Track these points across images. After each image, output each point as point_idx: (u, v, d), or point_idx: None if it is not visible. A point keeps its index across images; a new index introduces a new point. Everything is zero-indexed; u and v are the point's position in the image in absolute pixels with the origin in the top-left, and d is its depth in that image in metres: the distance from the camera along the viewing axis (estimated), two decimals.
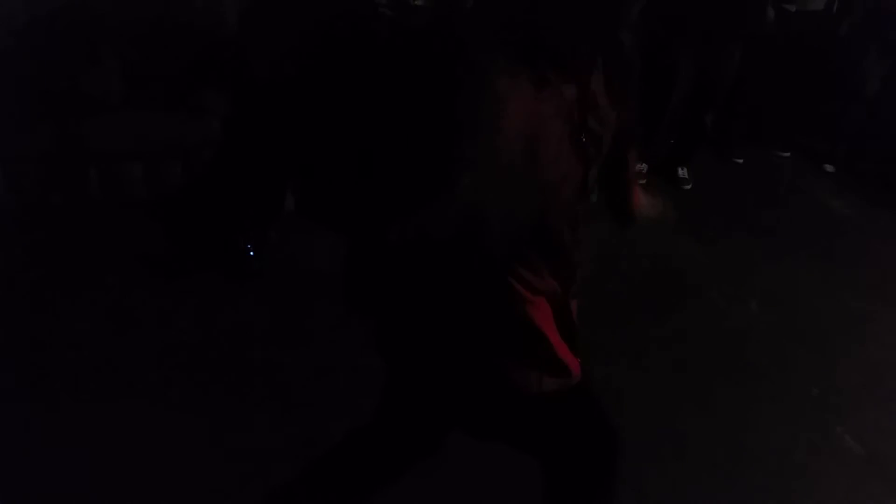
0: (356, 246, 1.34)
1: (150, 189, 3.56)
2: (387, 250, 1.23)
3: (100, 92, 3.54)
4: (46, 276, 3.02)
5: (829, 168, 4.55)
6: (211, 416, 2.31)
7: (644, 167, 4.25)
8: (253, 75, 3.24)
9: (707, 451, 2.31)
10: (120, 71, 3.61)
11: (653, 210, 1.55)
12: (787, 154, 4.72)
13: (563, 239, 1.29)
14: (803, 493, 2.18)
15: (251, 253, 3.09)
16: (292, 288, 3.02)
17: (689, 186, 4.20)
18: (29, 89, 3.39)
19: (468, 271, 1.20)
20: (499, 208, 1.13)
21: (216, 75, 3.51)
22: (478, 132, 1.09)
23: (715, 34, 3.73)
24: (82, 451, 2.11)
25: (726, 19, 3.69)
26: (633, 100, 1.37)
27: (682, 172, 4.22)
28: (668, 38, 3.85)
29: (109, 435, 2.17)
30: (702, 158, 4.37)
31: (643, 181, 4.19)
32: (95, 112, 3.51)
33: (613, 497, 1.44)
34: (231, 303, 2.92)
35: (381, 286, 1.33)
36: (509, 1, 1.16)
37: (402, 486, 1.51)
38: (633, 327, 2.93)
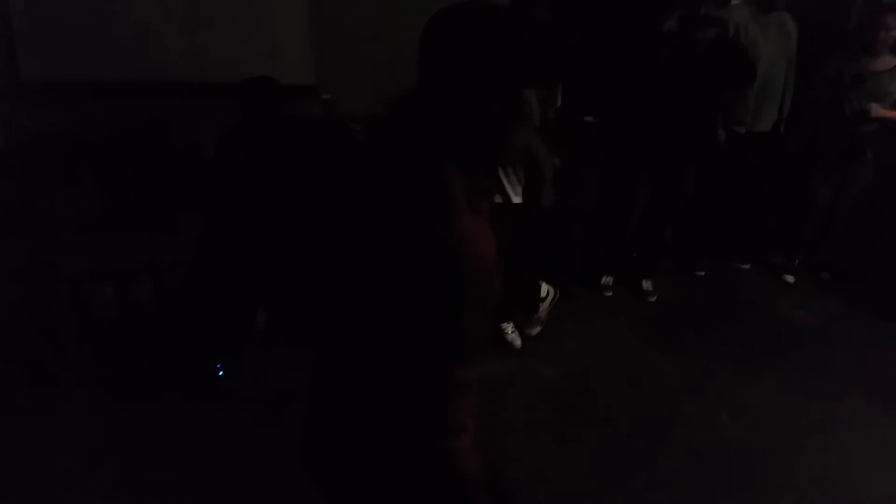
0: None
1: (120, 308, 3.56)
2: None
3: (75, 212, 3.60)
4: (13, 394, 2.97)
5: (790, 279, 4.70)
6: None
7: (610, 280, 4.37)
8: (226, 197, 3.34)
9: None
10: (96, 192, 3.68)
11: None
12: (747, 266, 4.88)
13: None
14: None
15: (220, 373, 3.07)
16: (262, 408, 2.98)
17: (653, 299, 4.30)
18: (4, 208, 3.44)
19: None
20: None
21: (191, 197, 3.60)
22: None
23: (670, 156, 3.94)
24: None
25: (680, 142, 3.90)
26: None
27: (647, 285, 4.34)
28: (626, 159, 4.06)
29: None
30: (665, 271, 4.51)
31: (609, 293, 4.32)
32: (69, 231, 3.55)
33: None
34: (200, 423, 2.87)
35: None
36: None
37: None
38: (601, 440, 2.93)
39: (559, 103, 3.56)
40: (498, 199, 3.32)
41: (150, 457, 2.65)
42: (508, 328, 3.65)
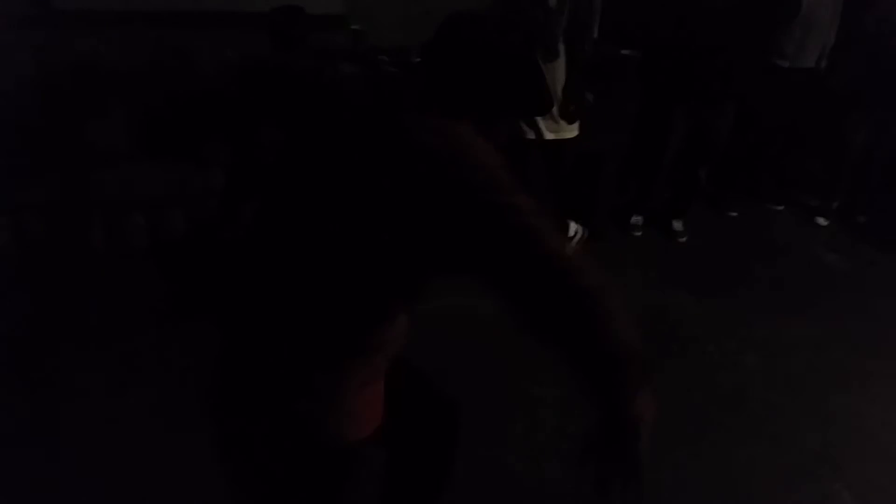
0: None
1: (152, 238, 3.60)
2: None
3: (106, 143, 3.62)
4: (49, 323, 3.05)
5: (823, 221, 4.61)
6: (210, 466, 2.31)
7: (640, 220, 4.31)
8: (256, 129, 3.32)
9: None
10: (126, 123, 3.69)
11: None
12: (781, 207, 4.78)
13: None
14: None
15: None
16: None
17: (684, 239, 4.25)
18: (37, 139, 3.46)
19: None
20: None
21: (220, 128, 3.58)
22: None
23: (709, 92, 3.82)
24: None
25: (720, 78, 3.78)
26: None
27: (678, 225, 4.28)
28: (663, 95, 3.95)
29: (108, 483, 2.19)
30: (696, 211, 4.44)
31: (638, 233, 4.27)
32: (101, 163, 3.57)
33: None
34: None
35: None
36: None
37: None
38: None
39: (596, 35, 3.45)
40: (531, 136, 3.27)
41: (180, 382, 2.71)
42: None
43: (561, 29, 3.17)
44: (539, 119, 3.24)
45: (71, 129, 3.53)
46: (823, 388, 2.96)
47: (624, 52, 4.12)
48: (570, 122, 3.34)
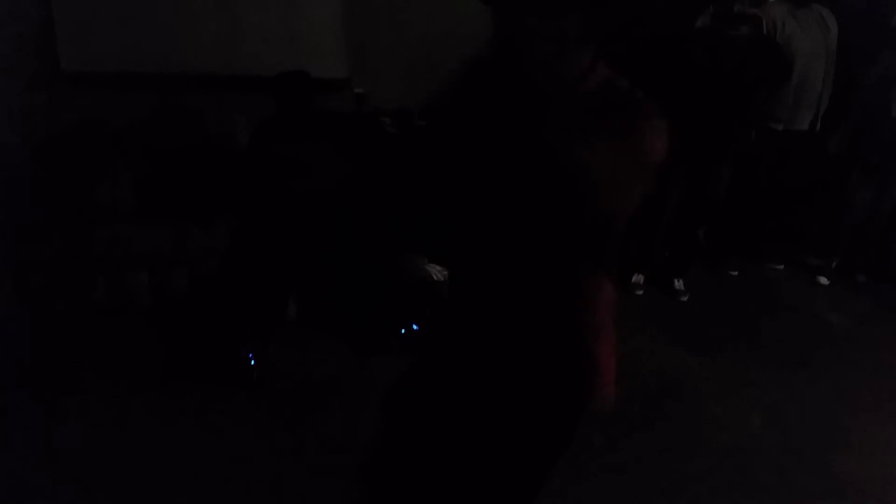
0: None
1: (155, 297, 3.60)
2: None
3: (111, 203, 3.65)
4: (51, 381, 3.03)
5: (824, 281, 4.62)
6: None
7: (641, 279, 4.33)
8: (260, 190, 3.37)
9: None
10: (132, 184, 3.73)
11: None
12: (781, 267, 4.80)
13: None
14: None
15: (252, 362, 3.10)
16: (292, 398, 3.01)
17: (685, 298, 4.25)
18: (43, 198, 3.50)
19: None
20: None
21: (224, 188, 3.63)
22: None
23: (704, 154, 3.89)
24: None
25: (714, 140, 3.85)
26: None
27: (678, 284, 4.29)
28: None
29: None
30: (697, 270, 4.45)
31: (640, 292, 4.27)
32: (105, 222, 3.60)
33: None
34: (231, 412, 2.90)
35: None
36: None
37: None
38: (632, 440, 2.91)
39: None
40: None
41: (179, 442, 2.69)
42: None
43: None
44: None
45: (76, 187, 3.57)
46: (828, 450, 2.92)
47: None
48: None
